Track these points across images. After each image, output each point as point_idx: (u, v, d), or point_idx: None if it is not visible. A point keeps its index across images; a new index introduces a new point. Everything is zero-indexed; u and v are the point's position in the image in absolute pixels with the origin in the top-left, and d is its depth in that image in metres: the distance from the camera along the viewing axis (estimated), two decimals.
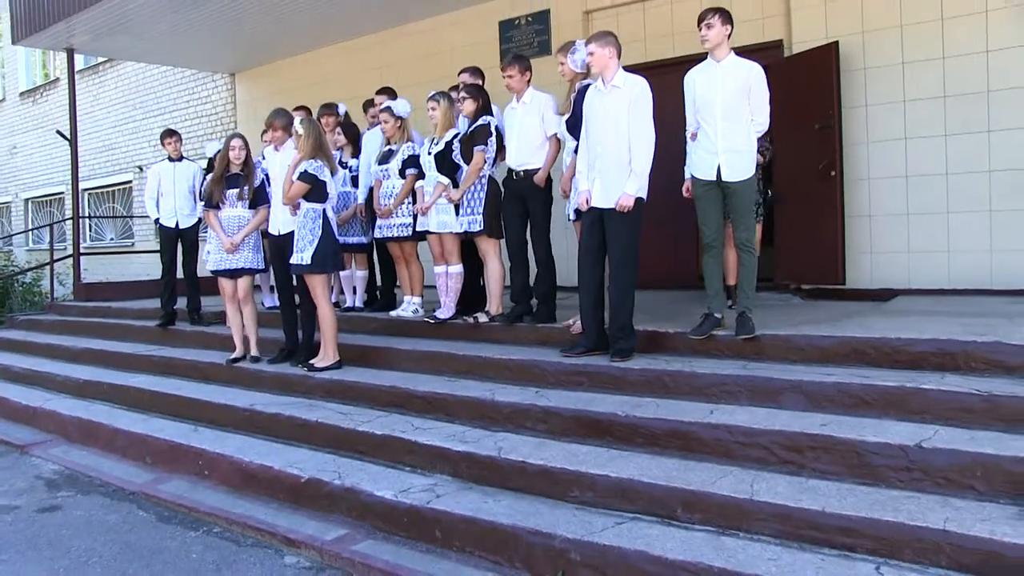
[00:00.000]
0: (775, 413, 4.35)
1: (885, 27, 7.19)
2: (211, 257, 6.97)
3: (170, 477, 5.52)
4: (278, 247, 6.51)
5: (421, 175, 6.57)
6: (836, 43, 7.20)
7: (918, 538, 3.26)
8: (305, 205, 6.10)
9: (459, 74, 6.85)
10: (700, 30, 5.10)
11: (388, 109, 6.82)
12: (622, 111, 5.15)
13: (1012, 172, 6.72)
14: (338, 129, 7.49)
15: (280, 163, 6.47)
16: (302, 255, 6.05)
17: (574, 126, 5.57)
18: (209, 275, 8.50)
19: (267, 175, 7.00)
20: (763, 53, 7.82)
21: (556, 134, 6.07)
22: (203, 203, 7.27)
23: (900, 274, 7.24)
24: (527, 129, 6.09)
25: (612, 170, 5.18)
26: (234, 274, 6.89)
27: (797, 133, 7.27)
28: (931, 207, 7.09)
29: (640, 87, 5.17)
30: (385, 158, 6.88)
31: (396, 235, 6.81)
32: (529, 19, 9.23)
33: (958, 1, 6.88)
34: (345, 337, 6.61)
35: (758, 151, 5.41)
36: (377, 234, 7.02)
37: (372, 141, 7.35)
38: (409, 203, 6.72)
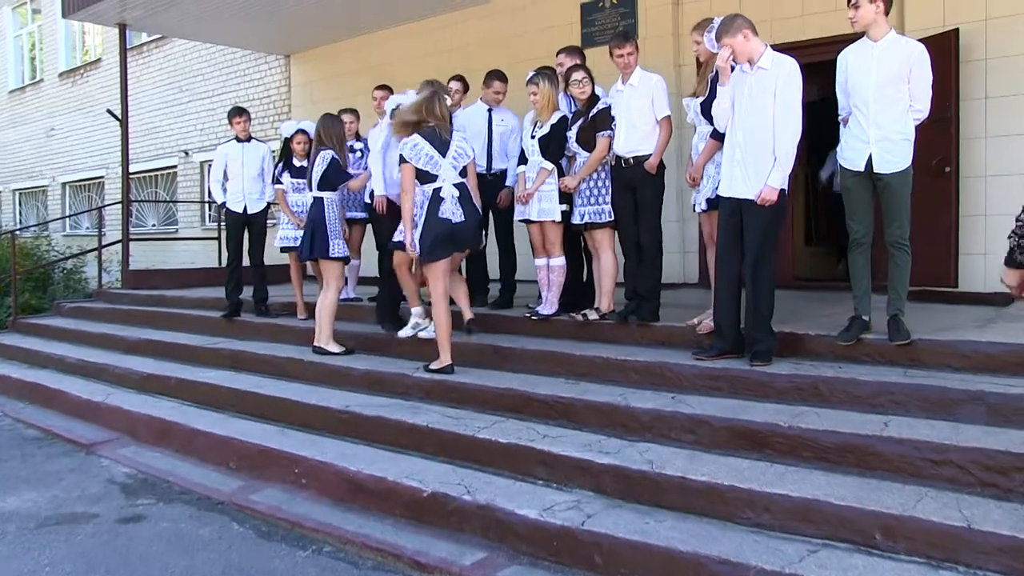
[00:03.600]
0: (958, 427, 3.93)
1: (1012, 14, 6.70)
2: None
3: (262, 485, 5.08)
4: None
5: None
6: (956, 31, 6.73)
7: None
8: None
9: (557, 55, 6.41)
10: (849, 11, 4.67)
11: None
12: (767, 95, 4.73)
13: None
14: None
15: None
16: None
17: (708, 108, 5.15)
18: (276, 263, 8.24)
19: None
20: None
21: (667, 116, 5.66)
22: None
23: None
24: (636, 113, 5.65)
25: (754, 158, 4.77)
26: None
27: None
28: None
29: (788, 68, 4.74)
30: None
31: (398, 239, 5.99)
32: (614, 1, 8.78)
33: None
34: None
35: None
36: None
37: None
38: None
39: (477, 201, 5.81)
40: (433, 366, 5.69)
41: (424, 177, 5.63)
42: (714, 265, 5.10)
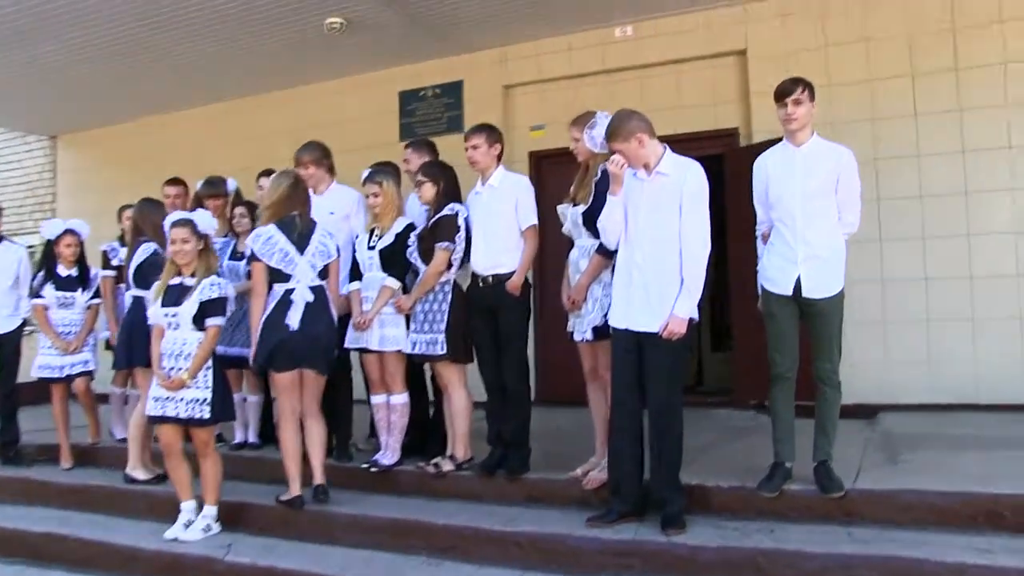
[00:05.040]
0: None
1: (856, 120, 6.60)
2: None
3: None
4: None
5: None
6: None
7: None
8: None
9: (405, 148, 5.48)
10: (786, 107, 4.02)
11: (186, 223, 4.72)
12: (670, 206, 3.98)
13: (995, 279, 6.27)
14: (239, 210, 5.90)
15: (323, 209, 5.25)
16: None
17: (592, 219, 4.31)
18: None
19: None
20: (716, 142, 7.08)
21: (534, 226, 4.82)
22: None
23: (877, 388, 6.52)
24: (497, 221, 4.78)
25: (657, 282, 3.99)
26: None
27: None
28: (910, 314, 6.49)
29: (694, 174, 4.01)
30: (174, 296, 4.66)
31: (186, 415, 4.57)
32: (437, 91, 8.03)
33: (932, 98, 6.47)
34: (246, 490, 5.00)
35: None
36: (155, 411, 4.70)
37: None
38: (207, 370, 4.60)
39: (335, 309, 4.87)
40: (283, 497, 4.76)
41: (277, 276, 4.66)
42: (609, 410, 4.19)
